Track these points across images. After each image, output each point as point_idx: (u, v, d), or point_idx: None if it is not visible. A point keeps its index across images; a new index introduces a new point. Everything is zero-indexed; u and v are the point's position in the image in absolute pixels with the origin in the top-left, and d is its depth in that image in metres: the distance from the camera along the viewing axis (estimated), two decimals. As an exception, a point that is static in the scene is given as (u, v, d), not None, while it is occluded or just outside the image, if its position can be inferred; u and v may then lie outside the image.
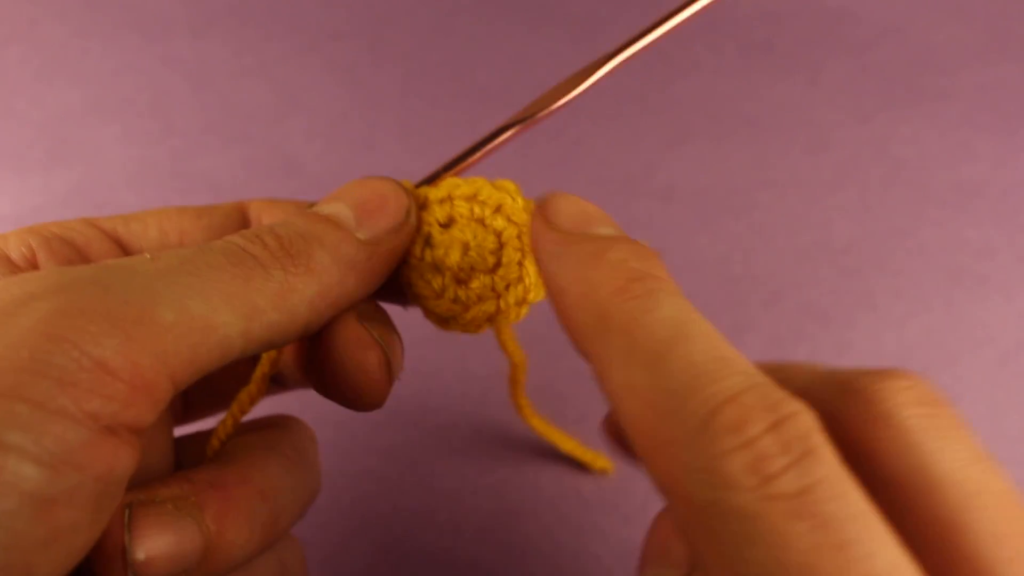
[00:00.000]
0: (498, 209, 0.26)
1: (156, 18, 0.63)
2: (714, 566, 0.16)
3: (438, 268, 0.26)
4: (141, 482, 0.23)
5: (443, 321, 0.28)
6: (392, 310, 0.27)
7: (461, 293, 0.26)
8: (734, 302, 0.50)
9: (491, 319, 0.27)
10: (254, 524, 0.24)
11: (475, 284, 0.26)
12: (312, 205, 0.25)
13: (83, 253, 0.26)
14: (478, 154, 0.27)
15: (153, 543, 0.21)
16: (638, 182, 0.55)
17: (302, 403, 0.33)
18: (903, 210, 0.55)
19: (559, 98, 0.26)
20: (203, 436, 0.29)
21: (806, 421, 0.16)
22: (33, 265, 0.25)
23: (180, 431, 0.30)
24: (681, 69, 0.61)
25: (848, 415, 0.20)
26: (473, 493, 0.43)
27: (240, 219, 0.29)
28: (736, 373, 0.17)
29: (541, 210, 0.23)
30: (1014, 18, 0.64)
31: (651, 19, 0.25)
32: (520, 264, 0.26)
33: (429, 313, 0.28)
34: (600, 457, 0.42)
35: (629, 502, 0.42)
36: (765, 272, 0.51)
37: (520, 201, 0.26)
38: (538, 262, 0.23)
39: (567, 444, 0.42)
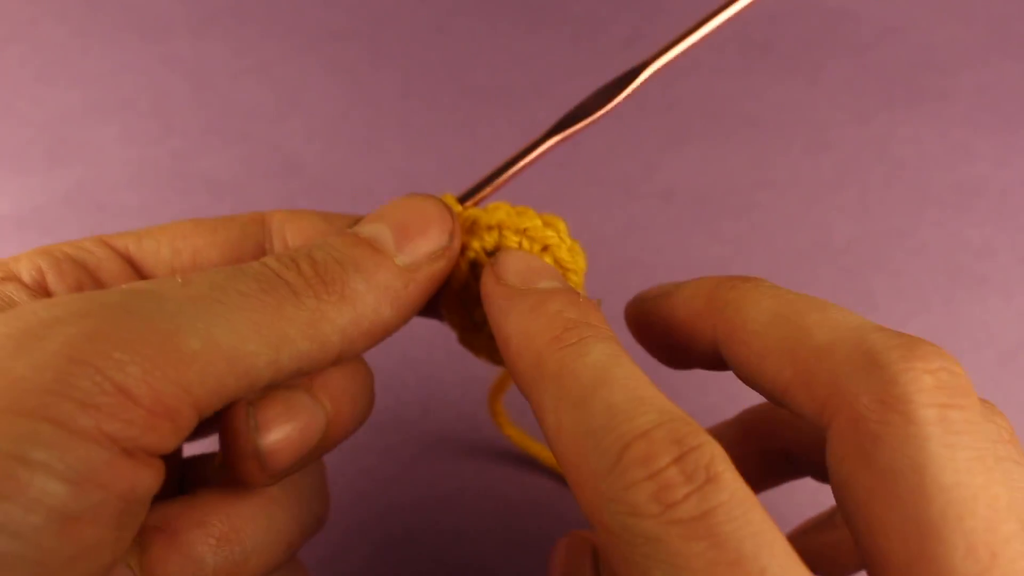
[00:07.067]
0: (545, 248, 0.26)
1: (156, 18, 0.62)
2: None
3: (480, 300, 0.26)
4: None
5: (477, 351, 0.27)
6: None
7: None
8: (734, 302, 0.50)
9: None
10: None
11: None
12: (354, 223, 0.25)
13: (94, 275, 0.25)
14: (519, 164, 0.26)
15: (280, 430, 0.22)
16: (638, 182, 0.55)
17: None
18: (903, 210, 0.55)
19: (602, 105, 0.26)
20: (208, 458, 0.29)
21: (710, 451, 0.18)
22: (43, 286, 0.24)
23: (189, 448, 0.30)
24: (681, 69, 0.61)
25: (865, 387, 0.19)
26: (473, 493, 0.43)
27: (259, 231, 0.28)
28: (650, 411, 0.18)
29: (491, 266, 0.24)
30: (1014, 18, 0.64)
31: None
32: None
33: (466, 344, 0.27)
34: None
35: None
36: (765, 272, 0.51)
37: (567, 242, 0.26)
38: (488, 314, 0.24)
39: (545, 453, 0.42)
